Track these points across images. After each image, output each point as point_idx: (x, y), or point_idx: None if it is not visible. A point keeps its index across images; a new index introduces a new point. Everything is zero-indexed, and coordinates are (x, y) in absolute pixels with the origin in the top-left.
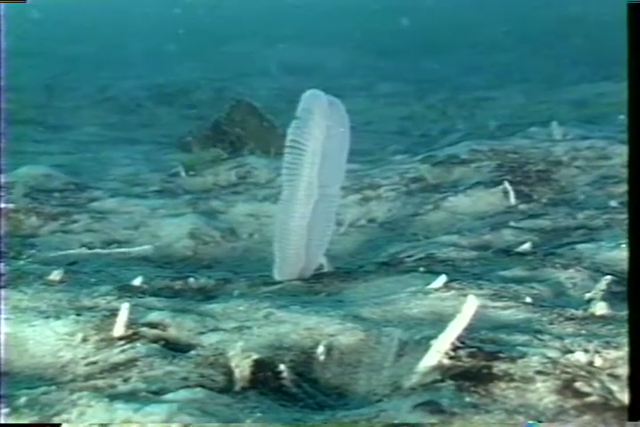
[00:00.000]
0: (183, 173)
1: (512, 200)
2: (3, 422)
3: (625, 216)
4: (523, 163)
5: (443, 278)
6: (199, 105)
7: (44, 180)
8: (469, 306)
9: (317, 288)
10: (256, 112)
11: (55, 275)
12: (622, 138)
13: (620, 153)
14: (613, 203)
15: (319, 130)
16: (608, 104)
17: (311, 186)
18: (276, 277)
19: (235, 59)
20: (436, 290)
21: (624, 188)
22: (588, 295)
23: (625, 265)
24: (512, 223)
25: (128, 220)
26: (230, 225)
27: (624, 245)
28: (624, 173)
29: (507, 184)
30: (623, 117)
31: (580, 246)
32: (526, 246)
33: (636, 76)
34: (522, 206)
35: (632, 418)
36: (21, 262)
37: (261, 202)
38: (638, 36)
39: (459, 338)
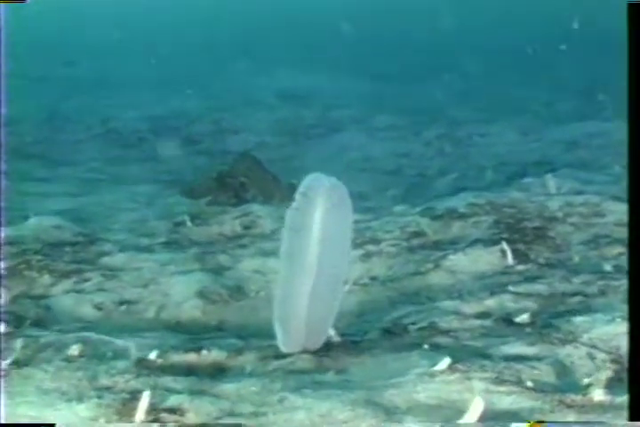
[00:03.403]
0: (189, 223)
1: (510, 260)
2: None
3: (620, 282)
4: (519, 219)
5: (447, 361)
6: (199, 138)
7: (55, 232)
8: (476, 407)
9: (326, 364)
10: (259, 165)
11: (74, 349)
12: (615, 193)
13: (613, 210)
14: (607, 267)
15: (319, 214)
16: (598, 146)
17: (310, 269)
18: (283, 349)
19: (233, 85)
20: (442, 372)
21: (618, 249)
22: (586, 381)
23: (621, 340)
24: (511, 288)
25: (138, 277)
26: (237, 282)
27: (619, 319)
28: (618, 232)
29: (504, 244)
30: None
31: (576, 319)
32: (525, 317)
33: (637, 74)
34: (519, 267)
35: (632, 418)
36: (40, 333)
37: (267, 257)
38: (638, 36)
39: None
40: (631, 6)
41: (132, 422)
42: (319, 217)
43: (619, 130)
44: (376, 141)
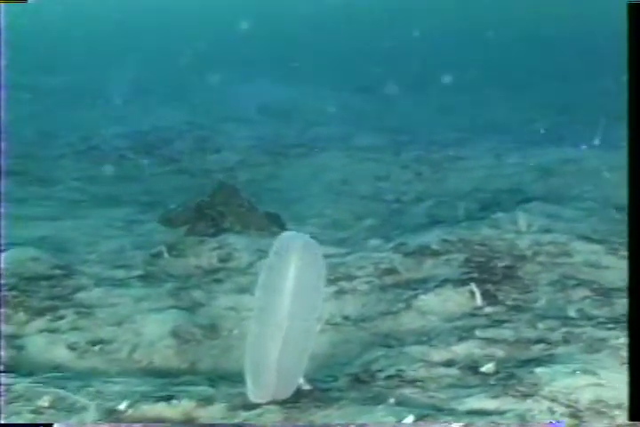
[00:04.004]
0: (166, 254)
1: (478, 302)
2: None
3: (582, 330)
4: (489, 257)
5: (410, 418)
6: (180, 157)
7: (32, 264)
8: None
9: (294, 415)
10: (237, 194)
11: (44, 400)
12: (582, 232)
13: (580, 251)
14: (572, 312)
15: (292, 273)
16: (572, 173)
17: (281, 324)
18: (251, 398)
19: (214, 99)
20: None
21: (583, 292)
22: None
23: (580, 393)
24: (478, 333)
25: (112, 314)
26: (211, 320)
27: (579, 372)
28: (584, 273)
29: (473, 286)
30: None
31: (538, 370)
32: (490, 366)
33: (636, 75)
34: (487, 309)
35: (632, 418)
36: (14, 378)
37: (241, 293)
38: (638, 35)
39: None
40: (631, 6)
41: None
42: (292, 276)
43: (593, 157)
44: (355, 162)
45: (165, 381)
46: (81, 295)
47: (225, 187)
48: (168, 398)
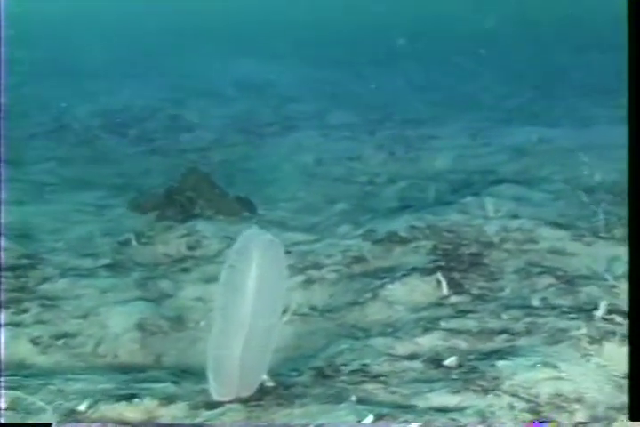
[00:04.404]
0: (134, 242)
1: (444, 291)
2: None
3: (545, 320)
4: (457, 244)
5: (370, 418)
6: (153, 136)
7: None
8: None
9: (256, 414)
10: (207, 179)
11: (2, 402)
12: (549, 217)
13: (546, 237)
14: (535, 302)
15: (254, 270)
16: (543, 152)
17: (244, 323)
18: (214, 396)
19: (189, 75)
20: None
21: (548, 280)
22: None
23: (540, 387)
24: (443, 323)
25: (78, 307)
26: (178, 312)
27: (540, 365)
28: (548, 260)
29: (439, 275)
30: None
31: (500, 364)
32: (452, 359)
33: (636, 74)
34: (453, 298)
35: (632, 418)
36: None
37: (209, 283)
38: (638, 35)
39: None
40: (631, 4)
41: None
42: (254, 275)
43: (565, 136)
44: (329, 142)
45: (128, 377)
46: (46, 287)
47: (194, 172)
48: (130, 397)
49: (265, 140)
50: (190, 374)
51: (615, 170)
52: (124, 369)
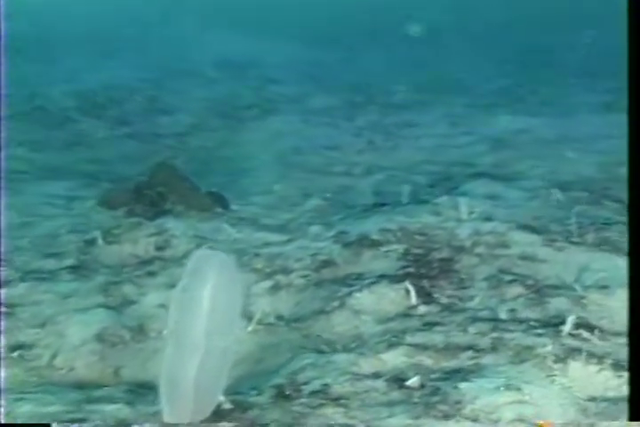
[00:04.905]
0: (100, 241)
1: (413, 300)
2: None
3: (511, 335)
4: (428, 249)
5: None
6: (130, 119)
7: None
8: None
9: None
10: (178, 173)
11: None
12: (521, 220)
13: (517, 241)
14: (503, 314)
15: (208, 291)
16: (523, 143)
17: (198, 345)
18: (166, 419)
19: (170, 52)
20: None
21: (517, 290)
22: None
23: (501, 412)
24: (409, 338)
25: (36, 314)
26: (140, 320)
27: (502, 388)
28: (519, 266)
29: (408, 284)
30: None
31: (462, 386)
32: (415, 380)
33: (636, 74)
34: (421, 308)
35: (632, 418)
36: None
37: (173, 289)
38: (638, 35)
39: None
40: (631, 4)
41: None
42: (208, 296)
43: (546, 126)
44: (309, 128)
45: (81, 397)
46: (4, 292)
47: (165, 166)
48: (80, 421)
49: (244, 124)
50: (148, 389)
51: (593, 164)
52: (80, 384)
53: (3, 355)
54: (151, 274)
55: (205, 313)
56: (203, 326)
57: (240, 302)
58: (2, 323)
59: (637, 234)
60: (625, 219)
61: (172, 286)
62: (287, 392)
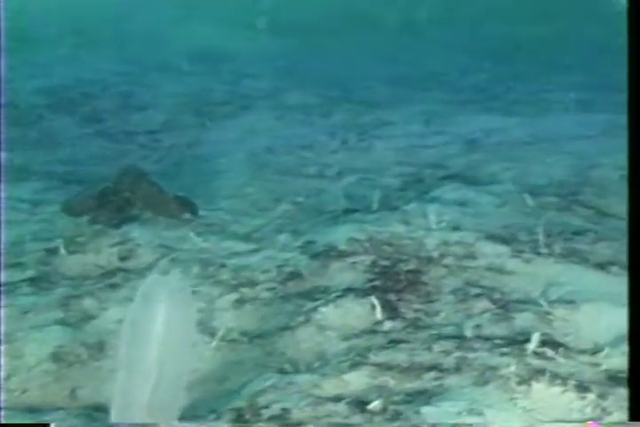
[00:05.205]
0: (62, 250)
1: (378, 315)
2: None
3: (475, 355)
4: (395, 260)
5: None
6: (102, 116)
7: None
8: None
9: None
10: (144, 177)
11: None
12: (490, 229)
13: (484, 253)
14: (468, 332)
15: (160, 318)
16: (496, 144)
17: (151, 372)
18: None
19: (144, 45)
20: None
21: (483, 304)
22: None
23: None
24: (372, 357)
25: None
26: (99, 337)
27: (465, 413)
28: (486, 279)
29: (374, 299)
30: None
31: (424, 410)
32: (377, 404)
33: (636, 75)
34: (387, 324)
35: (632, 418)
36: None
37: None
38: (638, 35)
39: None
40: (631, 4)
41: None
42: (160, 323)
43: (519, 126)
44: (283, 126)
45: (35, 420)
46: None
47: (131, 171)
48: None
49: (217, 122)
50: (105, 412)
51: (565, 166)
52: (31, 409)
53: None
54: (113, 287)
55: (157, 342)
56: (155, 355)
57: (194, 328)
58: None
59: (637, 245)
60: (595, 227)
61: (133, 299)
62: (246, 416)
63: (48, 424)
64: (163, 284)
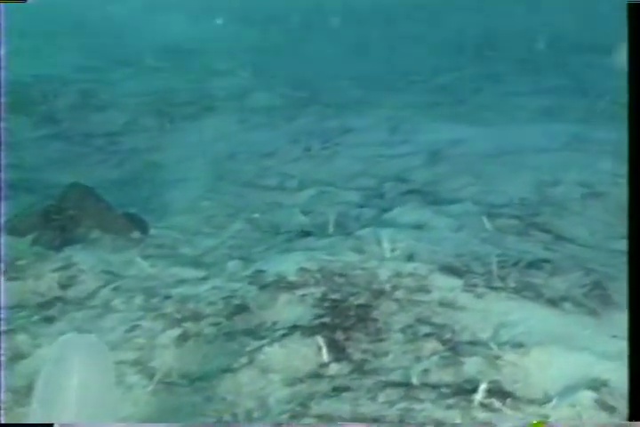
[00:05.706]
0: (2, 277)
1: (325, 357)
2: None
3: (421, 406)
4: (346, 293)
5: None
6: (60, 117)
7: None
8: None
9: None
10: (91, 194)
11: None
12: (444, 259)
13: (438, 286)
14: (414, 379)
15: (75, 379)
16: (461, 155)
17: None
18: None
19: (110, 37)
20: None
21: (432, 345)
22: None
23: None
24: (314, 406)
25: None
26: (28, 380)
27: None
28: (437, 315)
29: (320, 339)
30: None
31: None
32: None
33: (636, 76)
34: (333, 367)
35: (632, 418)
36: None
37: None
38: (638, 35)
39: None
40: (631, 6)
41: None
42: (76, 383)
43: (482, 137)
44: (245, 131)
45: None
46: None
47: (77, 187)
48: None
49: (179, 124)
50: None
51: (525, 183)
52: None
53: None
54: (48, 320)
55: (72, 404)
56: (72, 413)
57: (112, 388)
58: None
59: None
60: (552, 255)
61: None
62: None
63: (51, 424)
64: (77, 343)
